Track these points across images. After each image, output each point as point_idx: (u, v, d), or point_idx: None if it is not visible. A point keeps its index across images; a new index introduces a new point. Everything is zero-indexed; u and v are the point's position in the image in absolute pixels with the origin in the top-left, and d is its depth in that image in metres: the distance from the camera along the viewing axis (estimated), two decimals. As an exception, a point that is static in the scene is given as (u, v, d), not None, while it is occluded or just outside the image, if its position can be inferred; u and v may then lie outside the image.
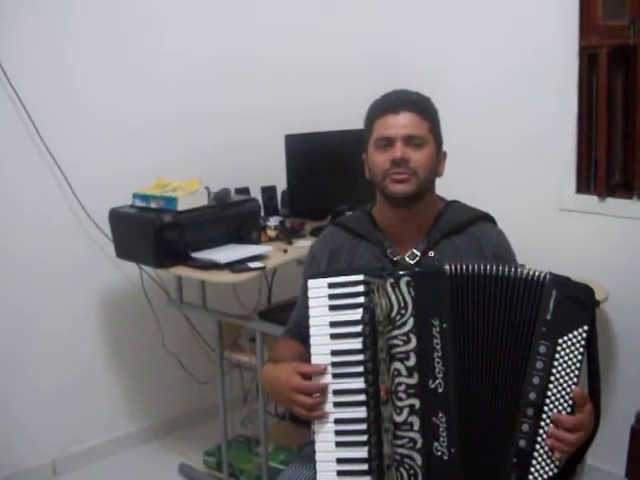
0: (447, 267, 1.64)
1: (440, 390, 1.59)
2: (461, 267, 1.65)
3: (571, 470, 1.68)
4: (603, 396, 2.97)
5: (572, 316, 1.60)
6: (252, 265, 2.83)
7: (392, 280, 1.62)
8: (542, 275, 1.63)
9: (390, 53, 3.54)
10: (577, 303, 1.61)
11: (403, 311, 1.60)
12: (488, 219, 2.01)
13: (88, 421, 3.42)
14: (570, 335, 1.59)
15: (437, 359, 1.59)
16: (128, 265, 3.20)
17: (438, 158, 1.93)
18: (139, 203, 2.99)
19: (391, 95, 1.93)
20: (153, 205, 2.94)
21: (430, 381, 1.59)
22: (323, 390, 1.72)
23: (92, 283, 3.36)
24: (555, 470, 1.59)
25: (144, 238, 2.86)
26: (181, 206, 2.89)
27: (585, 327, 1.60)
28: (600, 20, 2.95)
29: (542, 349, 1.59)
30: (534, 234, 3.00)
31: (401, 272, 1.63)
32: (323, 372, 1.73)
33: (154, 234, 2.81)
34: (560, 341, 1.59)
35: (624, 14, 2.87)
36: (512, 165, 3.23)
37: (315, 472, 1.73)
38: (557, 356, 1.59)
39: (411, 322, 1.59)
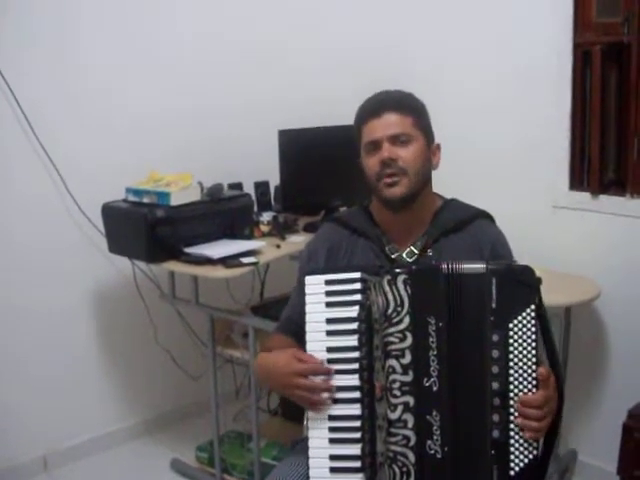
0: (444, 266, 1.65)
1: (435, 388, 1.59)
2: (457, 265, 1.65)
3: (549, 447, 1.70)
4: (595, 393, 3.02)
5: (516, 299, 1.61)
6: (245, 260, 2.83)
7: (389, 278, 1.62)
8: (479, 266, 1.65)
9: (385, 50, 3.54)
10: (519, 285, 1.62)
11: (399, 309, 1.60)
12: (486, 217, 2.01)
13: (80, 416, 3.41)
14: (519, 317, 1.60)
15: (432, 357, 1.60)
16: (121, 260, 3.19)
17: (430, 151, 1.94)
18: (132, 198, 2.98)
19: (372, 99, 1.96)
20: (146, 200, 2.93)
21: (425, 379, 1.59)
22: (325, 373, 1.72)
23: (84, 278, 3.35)
24: (535, 452, 1.60)
25: (137, 233, 2.85)
26: (174, 201, 2.88)
27: (532, 306, 1.61)
28: (594, 17, 2.95)
29: (495, 337, 1.60)
30: (527, 231, 2.99)
31: (398, 270, 1.64)
32: (320, 363, 1.73)
33: (147, 229, 2.81)
34: (511, 325, 1.60)
35: (618, 12, 2.87)
36: (506, 162, 3.23)
37: (308, 468, 1.73)
38: (511, 341, 1.60)
39: (407, 320, 1.60)
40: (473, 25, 3.27)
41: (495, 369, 1.60)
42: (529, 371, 1.59)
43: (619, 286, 2.89)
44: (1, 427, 3.17)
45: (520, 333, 1.60)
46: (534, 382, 1.59)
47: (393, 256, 1.91)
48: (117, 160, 3.29)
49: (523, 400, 1.59)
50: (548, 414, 1.62)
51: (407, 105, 1.92)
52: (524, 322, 1.60)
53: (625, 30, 2.83)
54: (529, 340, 1.59)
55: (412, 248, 1.92)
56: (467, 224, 1.95)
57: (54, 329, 3.28)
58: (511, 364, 1.59)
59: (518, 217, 3.00)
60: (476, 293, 1.63)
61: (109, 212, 3.00)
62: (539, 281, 1.64)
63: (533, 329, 1.60)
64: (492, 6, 3.20)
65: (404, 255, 1.91)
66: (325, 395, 1.72)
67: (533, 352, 1.59)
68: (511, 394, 1.59)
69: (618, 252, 2.91)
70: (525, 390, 1.59)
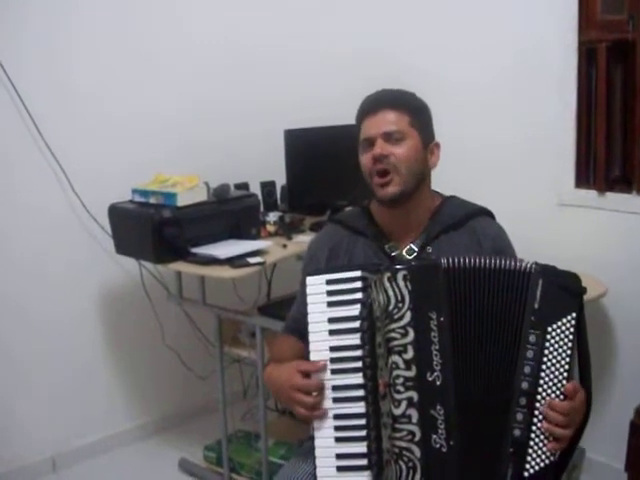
0: (443, 261, 1.65)
1: (438, 383, 1.59)
2: (457, 261, 1.65)
3: (566, 460, 1.69)
4: (602, 391, 3.00)
5: (560, 304, 1.62)
6: (251, 260, 2.83)
7: (389, 274, 1.62)
8: (528, 265, 1.65)
9: (390, 49, 3.54)
10: (564, 291, 1.63)
11: (400, 304, 1.60)
12: (486, 214, 2.01)
13: (88, 417, 3.42)
14: (559, 323, 1.61)
15: (435, 352, 1.59)
16: (128, 261, 3.21)
17: (427, 150, 1.93)
18: (138, 199, 3.00)
19: (371, 97, 1.96)
20: (152, 201, 2.94)
21: (428, 374, 1.59)
22: (322, 388, 1.73)
23: (92, 279, 3.37)
24: (551, 458, 1.60)
25: (143, 234, 2.86)
26: (180, 202, 2.89)
27: (573, 314, 1.62)
28: (599, 15, 2.94)
29: (532, 338, 1.61)
30: (533, 229, 3.00)
31: (398, 266, 1.64)
32: (322, 369, 1.73)
33: (153, 230, 2.82)
34: (549, 329, 1.61)
35: (623, 9, 2.87)
36: (511, 160, 3.22)
37: (315, 467, 1.73)
38: (547, 344, 1.60)
39: (408, 315, 1.60)
40: (477, 22, 3.27)
41: (527, 369, 1.60)
42: (560, 377, 1.60)
43: (625, 283, 2.88)
44: (10, 427, 3.18)
45: (557, 338, 1.60)
46: (562, 389, 1.60)
47: (393, 254, 1.92)
48: (123, 161, 3.30)
49: (550, 403, 1.59)
50: (571, 425, 1.62)
51: (404, 103, 1.92)
52: (563, 328, 1.60)
53: (630, 27, 2.83)
54: (565, 347, 1.60)
55: (412, 246, 1.92)
56: (467, 221, 1.95)
57: (62, 330, 3.29)
58: (543, 367, 1.60)
59: (524, 215, 3.01)
60: (512, 290, 1.64)
61: (116, 213, 3.01)
62: (584, 290, 1.65)
63: (570, 337, 1.61)
64: (496, 3, 3.19)
65: (404, 253, 1.91)
66: (322, 411, 1.72)
67: (567, 359, 1.60)
68: (538, 396, 1.60)
69: (624, 249, 2.91)
70: (552, 396, 1.60)
